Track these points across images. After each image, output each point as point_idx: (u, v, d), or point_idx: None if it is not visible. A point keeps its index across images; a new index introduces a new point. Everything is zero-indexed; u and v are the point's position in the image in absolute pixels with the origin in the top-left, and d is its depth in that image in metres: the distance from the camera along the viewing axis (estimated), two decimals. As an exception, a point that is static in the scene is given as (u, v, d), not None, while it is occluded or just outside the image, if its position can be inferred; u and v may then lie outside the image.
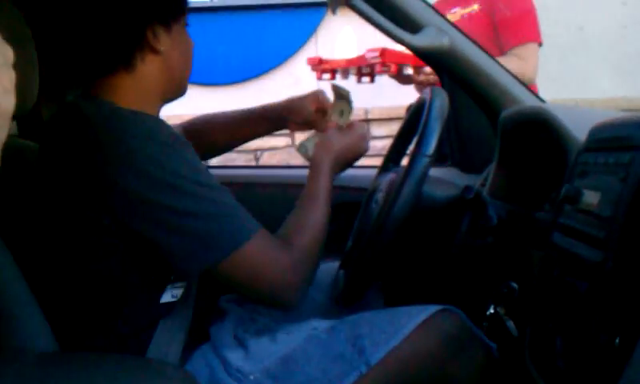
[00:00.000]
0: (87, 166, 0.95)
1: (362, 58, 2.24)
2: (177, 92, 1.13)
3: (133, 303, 1.02)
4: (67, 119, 1.04)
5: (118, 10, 1.02)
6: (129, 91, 1.05)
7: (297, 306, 1.05)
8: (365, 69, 2.21)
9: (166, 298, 1.05)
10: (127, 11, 1.02)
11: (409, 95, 2.30)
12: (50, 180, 1.02)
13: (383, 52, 2.08)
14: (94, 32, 1.02)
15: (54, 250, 1.03)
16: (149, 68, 1.06)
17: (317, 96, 1.36)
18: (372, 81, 2.27)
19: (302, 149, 1.32)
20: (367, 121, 4.39)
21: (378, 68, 2.12)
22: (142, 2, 1.03)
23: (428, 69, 2.08)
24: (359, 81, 2.23)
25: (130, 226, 0.95)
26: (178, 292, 1.06)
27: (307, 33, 4.47)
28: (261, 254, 1.01)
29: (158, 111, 1.11)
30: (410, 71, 2.14)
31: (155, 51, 1.06)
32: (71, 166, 0.98)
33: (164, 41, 1.06)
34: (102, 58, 1.03)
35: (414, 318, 1.06)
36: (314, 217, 1.13)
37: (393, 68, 2.11)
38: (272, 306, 1.10)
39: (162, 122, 1.01)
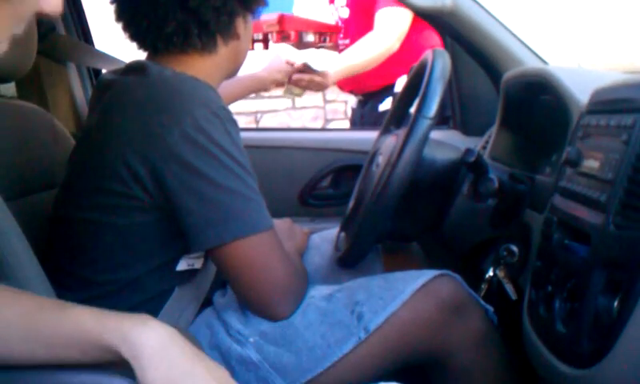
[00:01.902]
0: (139, 115, 0.98)
1: (256, 24, 2.05)
2: (234, 74, 1.20)
3: (147, 267, 1.03)
4: (129, 76, 1.07)
5: None
6: (199, 70, 1.07)
7: (282, 317, 1.04)
8: (257, 36, 2.04)
9: (182, 266, 1.05)
10: None
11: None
12: (98, 129, 1.05)
13: (281, 18, 1.99)
14: (195, 9, 1.03)
15: (83, 206, 1.04)
16: (225, 51, 1.10)
17: (278, 57, 1.68)
18: (277, 42, 2.09)
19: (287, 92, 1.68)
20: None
21: (275, 37, 2.00)
22: None
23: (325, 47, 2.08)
24: (266, 47, 2.07)
25: (162, 182, 0.95)
26: (195, 261, 1.07)
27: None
28: (272, 249, 1.01)
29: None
30: (311, 38, 2.07)
31: (237, 37, 1.10)
32: (124, 114, 1.00)
33: (242, 26, 1.11)
34: (192, 35, 1.05)
35: (410, 283, 1.07)
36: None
37: (293, 36, 2.02)
38: (258, 306, 1.04)
39: (217, 95, 1.01)
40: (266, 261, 1.01)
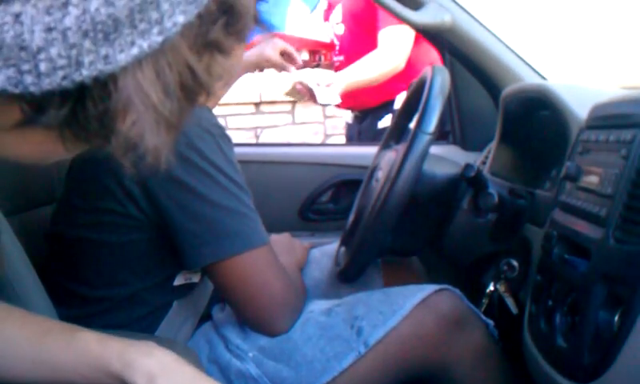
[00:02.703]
0: None
1: (250, 44, 2.14)
2: (225, 92, 1.24)
3: (144, 284, 1.03)
4: None
5: None
6: None
7: (280, 333, 1.04)
8: None
9: (179, 281, 1.05)
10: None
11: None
12: (94, 151, 1.03)
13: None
14: None
15: (79, 223, 1.04)
16: None
17: (276, 44, 1.67)
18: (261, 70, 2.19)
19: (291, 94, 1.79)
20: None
21: None
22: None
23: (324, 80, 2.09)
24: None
25: (156, 201, 0.95)
26: (192, 276, 1.07)
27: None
28: (267, 266, 1.01)
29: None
30: (305, 57, 2.11)
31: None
32: None
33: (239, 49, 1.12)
34: None
35: (410, 298, 1.07)
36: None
37: None
38: (255, 323, 1.04)
39: (209, 111, 1.01)
40: (261, 277, 1.00)
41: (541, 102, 1.19)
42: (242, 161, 1.76)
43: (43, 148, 0.39)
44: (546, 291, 0.95)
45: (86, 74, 0.31)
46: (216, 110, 1.24)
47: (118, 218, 0.98)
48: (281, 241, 1.29)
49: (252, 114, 4.55)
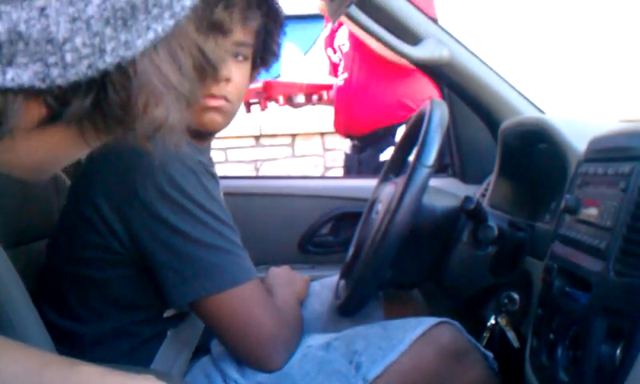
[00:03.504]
0: (116, 170, 0.97)
1: (249, 91, 2.16)
2: None
3: (132, 318, 1.03)
4: None
5: None
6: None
7: (274, 369, 1.02)
8: (253, 100, 2.14)
9: (169, 312, 1.05)
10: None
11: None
12: (81, 181, 1.06)
13: (267, 85, 2.05)
14: None
15: (66, 257, 1.04)
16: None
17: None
18: (263, 109, 2.19)
19: None
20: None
21: (263, 104, 2.10)
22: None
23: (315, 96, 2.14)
24: (248, 111, 2.15)
25: (137, 237, 0.95)
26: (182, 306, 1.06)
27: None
28: (255, 301, 1.00)
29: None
30: (301, 100, 2.15)
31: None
32: (103, 168, 1.00)
33: None
34: None
35: (410, 332, 1.06)
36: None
37: (282, 100, 2.11)
38: (248, 360, 1.03)
39: (194, 149, 1.02)
40: (249, 314, 0.99)
41: (539, 135, 1.20)
42: (241, 193, 1.79)
43: (60, 147, 0.40)
44: (547, 324, 0.95)
45: (109, 60, 0.32)
46: (216, 143, 1.24)
47: (100, 253, 0.98)
48: (281, 274, 1.29)
49: (252, 146, 4.57)
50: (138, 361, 1.02)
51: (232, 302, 0.98)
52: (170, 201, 0.94)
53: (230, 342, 1.02)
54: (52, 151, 0.40)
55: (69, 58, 0.31)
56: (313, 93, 2.19)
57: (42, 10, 0.30)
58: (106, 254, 0.98)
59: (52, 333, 0.97)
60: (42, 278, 1.11)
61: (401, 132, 2.11)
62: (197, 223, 0.95)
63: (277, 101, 2.12)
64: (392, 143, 2.15)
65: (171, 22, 0.34)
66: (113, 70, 0.33)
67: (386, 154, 2.16)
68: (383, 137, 2.17)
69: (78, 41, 0.31)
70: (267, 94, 2.08)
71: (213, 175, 1.01)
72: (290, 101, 2.14)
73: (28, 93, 0.32)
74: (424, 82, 2.11)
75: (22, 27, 0.30)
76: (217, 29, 0.37)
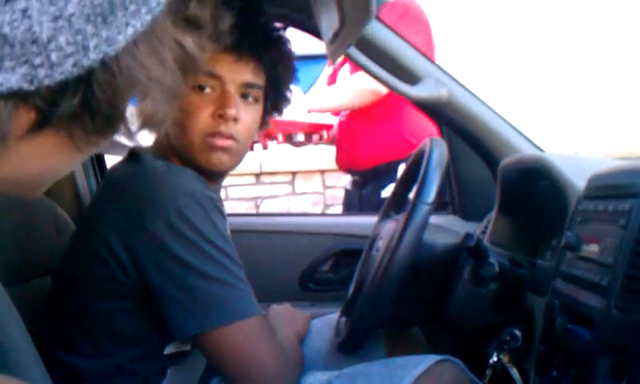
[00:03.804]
0: (124, 202, 0.99)
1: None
2: None
3: (133, 354, 1.02)
4: (124, 164, 1.10)
5: None
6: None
7: None
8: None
9: (170, 349, 1.04)
10: None
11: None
12: (89, 215, 1.07)
13: None
14: None
15: (70, 290, 1.04)
16: None
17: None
18: (265, 148, 2.27)
19: None
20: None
21: (264, 142, 2.14)
22: None
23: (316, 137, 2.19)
24: (250, 148, 2.21)
25: (143, 269, 0.96)
26: (183, 344, 1.06)
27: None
28: (258, 337, 1.00)
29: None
30: (300, 138, 2.19)
31: None
32: (111, 200, 1.02)
33: None
34: None
35: (411, 370, 1.05)
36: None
37: (280, 138, 2.16)
38: None
39: (200, 183, 1.03)
40: (252, 349, 0.99)
41: (538, 172, 1.21)
42: (242, 230, 1.79)
43: (52, 156, 0.40)
44: (550, 361, 0.94)
45: (93, 57, 0.33)
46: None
47: (104, 284, 0.98)
48: (281, 311, 1.28)
49: (252, 184, 4.59)
50: None
51: (235, 336, 0.97)
52: (178, 234, 0.95)
53: (231, 377, 1.01)
54: (44, 160, 0.40)
55: (54, 57, 0.32)
56: (313, 132, 2.21)
57: (25, 11, 0.31)
58: (109, 284, 0.98)
59: (54, 369, 0.97)
60: (46, 314, 1.10)
61: (402, 168, 2.14)
62: (203, 256, 0.96)
63: (276, 138, 2.14)
64: (393, 179, 2.16)
65: (148, 18, 0.35)
66: (97, 66, 0.34)
67: (388, 191, 2.17)
68: (385, 173, 2.18)
69: (62, 39, 0.32)
70: (267, 132, 2.10)
71: (220, 210, 1.02)
72: (289, 139, 2.17)
73: (17, 96, 0.33)
74: (426, 118, 2.14)
75: (7, 29, 0.31)
76: (192, 23, 0.38)
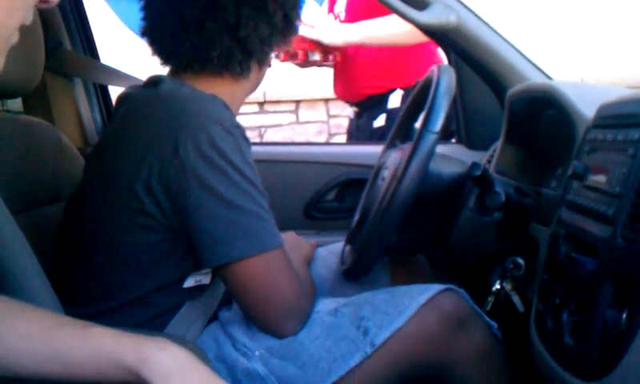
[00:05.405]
0: (154, 130, 0.98)
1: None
2: (250, 94, 1.20)
3: (154, 285, 1.03)
4: (146, 90, 1.08)
5: (272, 26, 1.07)
6: (227, 92, 1.08)
7: (288, 336, 1.03)
8: None
9: (189, 283, 1.05)
10: (278, 29, 1.08)
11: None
12: (114, 146, 1.06)
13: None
14: (243, 39, 1.05)
15: (88, 214, 1.05)
16: (254, 76, 1.13)
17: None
18: (283, 60, 2.16)
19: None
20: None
21: (283, 56, 2.05)
22: (289, 22, 1.10)
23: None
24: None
25: (175, 197, 0.96)
26: (202, 278, 1.07)
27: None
28: (279, 267, 1.01)
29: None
30: (317, 57, 2.14)
31: (270, 65, 1.15)
32: (139, 128, 1.01)
33: (273, 54, 1.14)
34: (234, 61, 1.07)
35: (415, 298, 1.07)
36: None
37: (300, 55, 2.10)
38: (266, 325, 1.04)
39: (231, 113, 1.02)
40: (274, 280, 1.00)
41: (547, 101, 1.19)
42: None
43: None
44: (553, 289, 0.95)
45: None
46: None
47: (135, 217, 0.98)
48: (287, 238, 1.30)
49: (256, 113, 4.56)
50: (152, 330, 1.03)
51: (259, 267, 0.98)
52: (209, 162, 0.94)
53: (251, 307, 1.03)
54: None
55: None
56: (329, 52, 2.16)
57: None
58: (141, 217, 0.98)
59: (71, 295, 0.98)
60: (63, 241, 1.11)
61: (395, 98, 2.12)
62: (234, 186, 0.96)
63: (296, 55, 2.10)
64: (385, 110, 2.15)
65: None
66: None
67: (379, 121, 2.16)
68: (377, 103, 2.17)
69: None
70: (288, 51, 2.06)
71: (247, 140, 1.01)
72: (307, 57, 2.13)
73: None
74: (419, 52, 2.10)
75: None
76: None
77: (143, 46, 1.12)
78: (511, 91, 1.38)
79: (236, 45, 1.05)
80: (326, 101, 4.59)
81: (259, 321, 1.04)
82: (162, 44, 1.08)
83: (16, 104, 1.73)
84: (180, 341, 0.79)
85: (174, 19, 1.05)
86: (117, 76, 1.81)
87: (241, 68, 1.08)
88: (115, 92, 1.33)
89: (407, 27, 1.85)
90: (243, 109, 1.24)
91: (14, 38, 0.53)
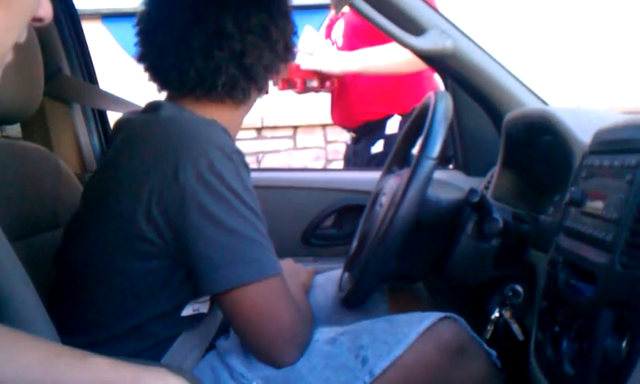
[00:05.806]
0: (154, 155, 0.98)
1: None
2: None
3: (152, 314, 1.02)
4: (146, 116, 1.08)
5: (272, 52, 1.08)
6: (227, 117, 1.09)
7: (286, 365, 1.02)
8: None
9: (187, 311, 1.05)
10: (279, 56, 1.10)
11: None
12: (113, 172, 1.06)
13: (290, 68, 1.99)
14: (248, 67, 1.06)
15: (86, 241, 1.04)
16: (252, 102, 1.14)
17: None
18: (281, 89, 2.21)
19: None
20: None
21: (281, 84, 2.09)
22: (288, 50, 1.12)
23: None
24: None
25: (174, 223, 0.95)
26: (200, 306, 1.06)
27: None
28: (278, 295, 1.00)
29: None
30: (314, 84, 2.17)
31: (267, 91, 1.15)
32: (138, 153, 1.01)
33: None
34: (238, 88, 1.07)
35: (414, 327, 1.06)
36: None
37: (299, 84, 2.13)
38: (263, 354, 1.03)
39: (228, 136, 1.02)
40: (273, 308, 1.00)
41: (543, 127, 1.19)
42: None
43: None
44: (552, 317, 0.95)
45: None
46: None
47: (134, 243, 0.98)
48: (285, 265, 1.29)
49: (253, 138, 4.57)
50: (149, 359, 1.02)
51: (258, 293, 0.98)
52: (209, 188, 0.94)
53: (249, 335, 1.02)
54: None
55: None
56: (327, 79, 2.18)
57: None
58: (140, 244, 0.97)
59: (68, 324, 0.97)
60: (61, 269, 1.11)
61: (392, 124, 2.13)
62: (233, 212, 0.95)
63: (295, 84, 2.12)
64: (383, 136, 2.15)
65: None
66: None
67: (377, 147, 2.16)
68: (374, 129, 2.17)
69: None
70: (289, 76, 2.09)
71: (247, 165, 1.01)
72: (305, 85, 2.15)
73: None
74: (415, 79, 2.11)
75: None
76: None
77: (142, 72, 1.13)
78: (508, 117, 1.39)
79: (241, 72, 1.06)
80: (324, 126, 4.61)
81: (257, 349, 1.03)
82: (163, 70, 1.08)
83: (14, 130, 1.74)
84: (178, 370, 0.78)
85: (177, 46, 1.05)
86: (115, 102, 1.82)
87: (243, 95, 1.09)
88: (113, 117, 1.33)
89: (405, 56, 1.87)
90: (241, 134, 1.24)
91: (9, 57, 0.53)
